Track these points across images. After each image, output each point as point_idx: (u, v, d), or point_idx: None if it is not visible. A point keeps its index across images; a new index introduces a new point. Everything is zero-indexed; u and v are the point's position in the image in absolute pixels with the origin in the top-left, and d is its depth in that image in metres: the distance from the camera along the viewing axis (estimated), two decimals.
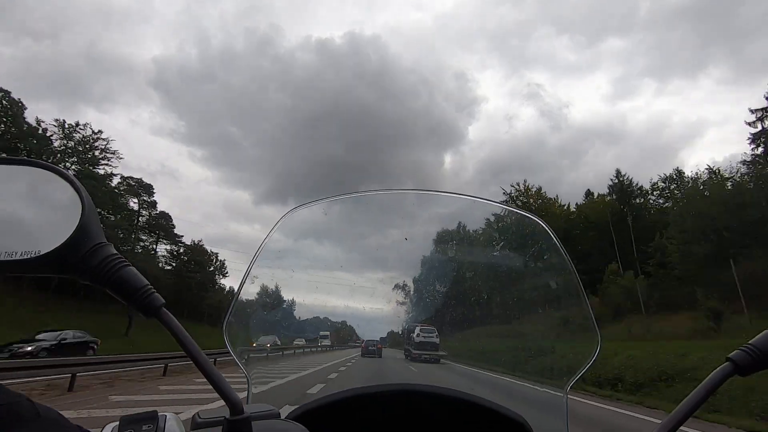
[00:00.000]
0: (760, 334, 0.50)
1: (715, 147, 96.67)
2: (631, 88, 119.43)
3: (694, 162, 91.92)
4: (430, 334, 2.92)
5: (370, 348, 2.53)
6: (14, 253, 0.42)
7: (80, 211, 0.45)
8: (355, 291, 1.18)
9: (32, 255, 0.42)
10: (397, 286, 1.27)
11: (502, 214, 1.07)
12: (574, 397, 8.15)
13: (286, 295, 1.16)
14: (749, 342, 0.50)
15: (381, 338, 2.01)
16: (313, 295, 1.19)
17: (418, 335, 2.97)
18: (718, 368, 0.50)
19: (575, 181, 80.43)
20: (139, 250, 44.90)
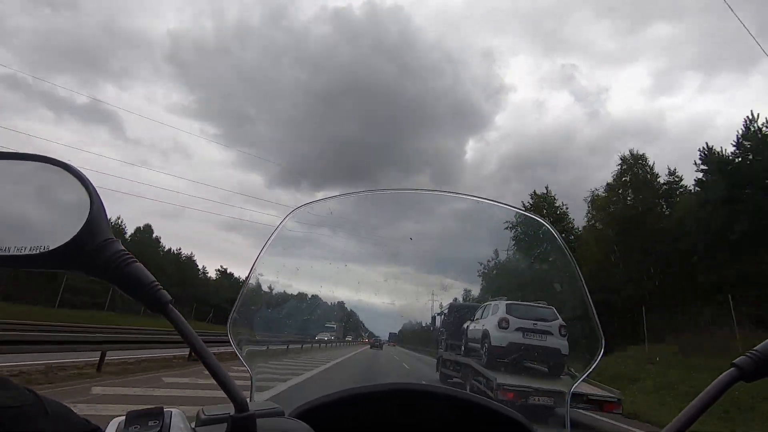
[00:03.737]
0: (766, 341, 0.50)
1: None
2: (673, 82, 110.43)
3: None
4: (545, 325, 1.26)
5: (375, 343, 2.26)
6: (23, 248, 0.42)
7: (89, 207, 0.45)
8: (365, 285, 1.17)
9: (41, 250, 0.43)
10: (409, 281, 1.23)
11: (508, 215, 1.06)
12: None
13: (294, 290, 1.16)
14: (755, 348, 0.50)
15: (391, 333, 1.53)
16: (322, 290, 1.20)
17: (502, 326, 1.34)
18: (723, 374, 0.50)
19: (604, 181, 76.36)
20: None
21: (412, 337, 1.69)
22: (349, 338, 2.03)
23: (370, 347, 2.10)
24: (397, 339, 1.58)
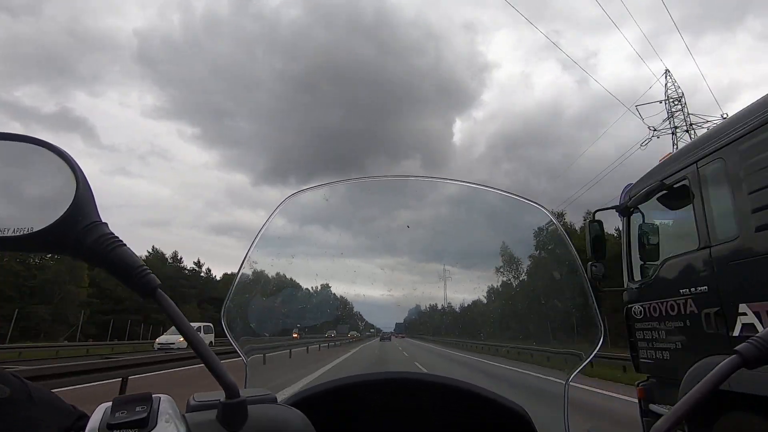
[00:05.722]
0: None
1: None
2: (659, 46, 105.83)
3: None
4: None
5: (384, 336, 2.11)
6: (6, 230, 0.41)
7: (74, 189, 0.44)
8: (361, 277, 1.16)
9: (25, 232, 0.41)
10: (406, 271, 1.22)
11: (505, 201, 1.05)
12: None
13: (287, 281, 1.15)
14: (757, 335, 0.49)
15: (398, 324, 1.47)
16: (316, 281, 1.19)
17: None
18: (725, 360, 0.49)
19: (594, 155, 75.69)
20: None
21: (426, 326, 1.54)
22: (332, 332, 1.73)
23: (380, 339, 1.98)
24: (404, 329, 1.52)
